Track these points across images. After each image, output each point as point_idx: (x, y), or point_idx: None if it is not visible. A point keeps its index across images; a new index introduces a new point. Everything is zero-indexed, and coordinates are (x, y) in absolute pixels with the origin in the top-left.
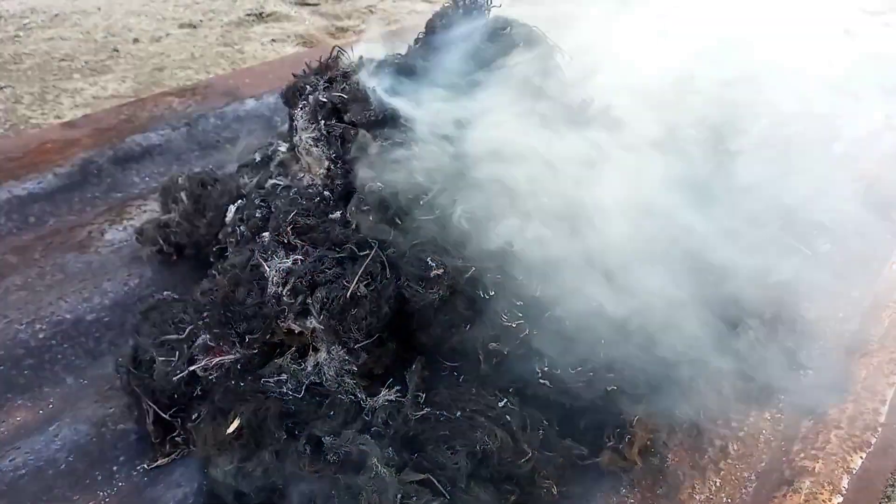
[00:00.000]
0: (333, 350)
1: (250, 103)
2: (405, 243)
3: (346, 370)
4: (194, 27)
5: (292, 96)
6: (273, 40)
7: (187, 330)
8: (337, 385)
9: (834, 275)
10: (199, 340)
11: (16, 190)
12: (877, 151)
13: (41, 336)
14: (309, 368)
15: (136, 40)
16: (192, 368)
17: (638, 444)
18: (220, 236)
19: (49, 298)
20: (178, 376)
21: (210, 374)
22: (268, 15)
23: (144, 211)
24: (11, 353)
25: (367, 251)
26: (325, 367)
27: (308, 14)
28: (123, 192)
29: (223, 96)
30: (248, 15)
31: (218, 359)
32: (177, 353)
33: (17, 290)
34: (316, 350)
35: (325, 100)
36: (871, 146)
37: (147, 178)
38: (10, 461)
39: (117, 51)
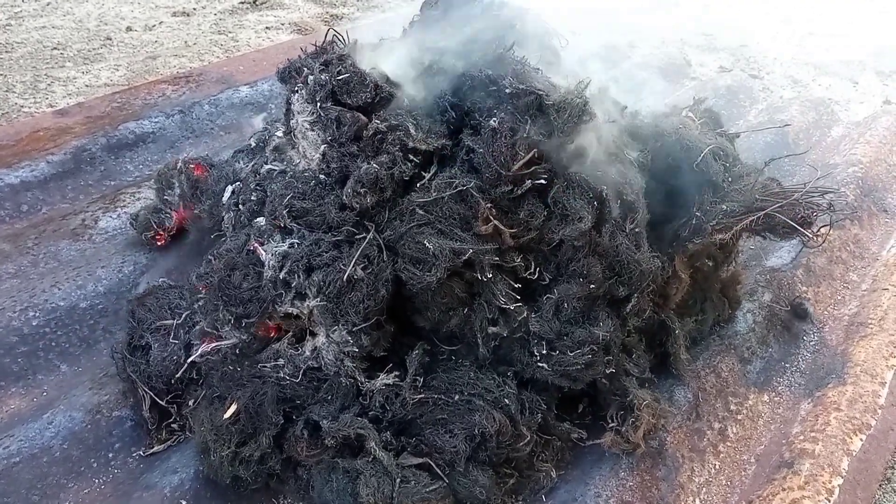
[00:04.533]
0: (333, 333)
1: (244, 90)
2: (402, 225)
3: (345, 353)
4: (188, 15)
5: (289, 75)
6: (267, 28)
7: (184, 315)
8: (336, 368)
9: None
10: (197, 326)
11: (8, 178)
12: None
13: (35, 323)
14: (307, 353)
15: (129, 29)
16: (191, 359)
17: (644, 427)
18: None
19: (43, 286)
20: (182, 368)
21: (208, 357)
22: (261, 3)
23: (138, 199)
24: (4, 340)
25: (364, 234)
26: (324, 351)
27: (302, 1)
28: (117, 180)
29: (217, 84)
30: (242, 3)
31: (214, 344)
32: (173, 338)
33: (10, 277)
34: (313, 334)
35: (324, 81)
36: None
37: (141, 166)
38: (3, 449)
39: (110, 39)
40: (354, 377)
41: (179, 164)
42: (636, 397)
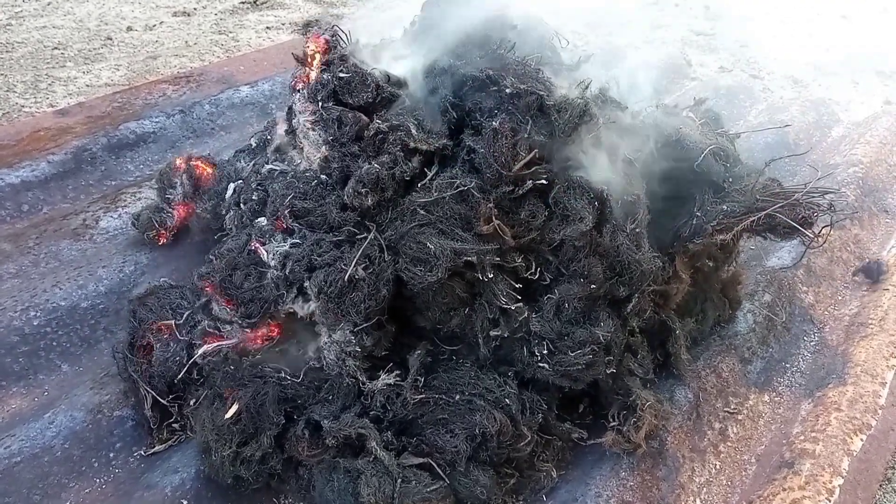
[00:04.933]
0: (335, 332)
1: (245, 90)
2: (403, 225)
3: (347, 352)
4: (188, 15)
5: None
6: (268, 28)
7: (185, 315)
8: (339, 368)
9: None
10: (199, 326)
11: (9, 178)
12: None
13: (36, 323)
14: (310, 353)
15: (129, 28)
16: (194, 359)
17: (646, 428)
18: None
19: (44, 286)
20: (184, 368)
21: (210, 358)
22: (262, 2)
23: (139, 199)
24: (6, 340)
25: (365, 234)
26: (325, 351)
27: (303, 1)
28: (118, 180)
29: (218, 83)
30: (243, 3)
31: (216, 344)
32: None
33: (11, 277)
34: (316, 335)
35: (326, 80)
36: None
37: (141, 166)
38: (5, 448)
39: (111, 39)
40: (356, 377)
41: (181, 163)
42: (639, 398)
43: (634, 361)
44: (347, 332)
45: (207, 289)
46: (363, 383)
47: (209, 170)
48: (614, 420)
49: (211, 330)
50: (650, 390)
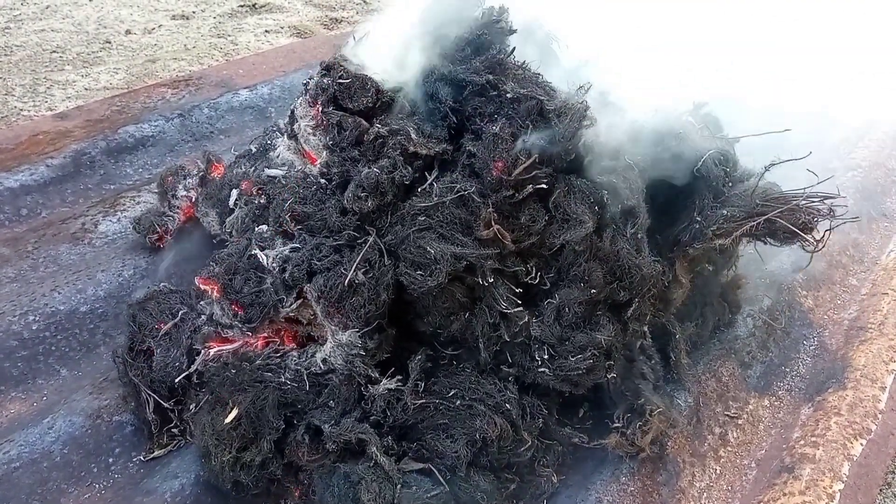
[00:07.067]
0: (341, 336)
1: (244, 94)
2: (403, 230)
3: (353, 354)
4: (187, 18)
5: None
6: (266, 31)
7: (186, 319)
8: (348, 371)
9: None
10: (200, 330)
11: (8, 182)
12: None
13: (35, 328)
14: (318, 360)
15: (128, 32)
16: (196, 365)
17: (653, 433)
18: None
19: (42, 290)
20: (185, 373)
21: (211, 364)
22: (261, 6)
23: (138, 202)
24: (4, 344)
25: (365, 238)
26: (332, 356)
27: (301, 5)
28: (117, 184)
29: (217, 87)
30: (242, 6)
31: (217, 348)
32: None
33: (9, 282)
34: (313, 338)
35: (326, 85)
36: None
37: (140, 170)
38: (4, 454)
39: (109, 42)
40: (368, 374)
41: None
42: (648, 402)
43: (647, 365)
44: (353, 334)
45: (213, 290)
46: (375, 380)
47: (217, 173)
48: (618, 422)
49: (212, 334)
50: (659, 396)
